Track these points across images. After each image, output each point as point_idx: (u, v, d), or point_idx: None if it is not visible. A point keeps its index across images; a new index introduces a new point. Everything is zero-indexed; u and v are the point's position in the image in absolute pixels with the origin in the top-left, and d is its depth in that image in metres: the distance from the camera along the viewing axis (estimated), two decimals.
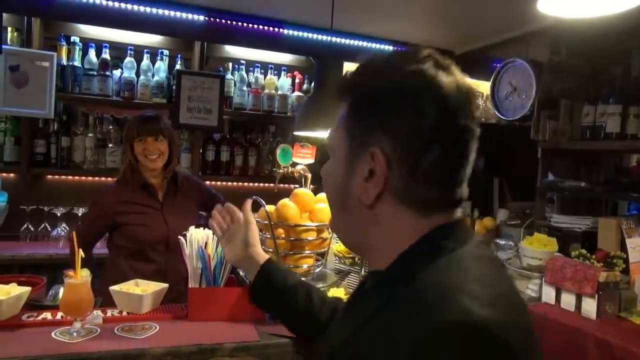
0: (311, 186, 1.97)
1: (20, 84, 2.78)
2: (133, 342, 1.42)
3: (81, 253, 1.40)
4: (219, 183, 3.41)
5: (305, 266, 1.64)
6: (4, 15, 2.69)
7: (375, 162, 0.67)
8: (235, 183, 3.44)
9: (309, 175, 2.01)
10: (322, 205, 1.66)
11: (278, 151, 2.10)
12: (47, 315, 1.52)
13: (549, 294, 2.03)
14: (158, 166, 2.13)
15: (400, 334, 0.58)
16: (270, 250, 1.64)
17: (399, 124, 0.66)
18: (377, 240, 0.71)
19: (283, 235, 1.61)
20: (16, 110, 2.80)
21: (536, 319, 1.36)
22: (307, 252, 1.63)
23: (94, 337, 1.42)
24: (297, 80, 3.49)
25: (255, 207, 1.78)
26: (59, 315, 1.51)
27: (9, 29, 2.84)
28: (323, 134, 1.91)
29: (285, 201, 1.65)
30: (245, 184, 3.45)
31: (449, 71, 0.68)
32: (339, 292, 1.74)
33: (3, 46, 2.67)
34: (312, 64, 3.65)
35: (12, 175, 2.92)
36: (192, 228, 1.62)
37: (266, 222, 1.58)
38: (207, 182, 3.35)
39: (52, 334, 1.41)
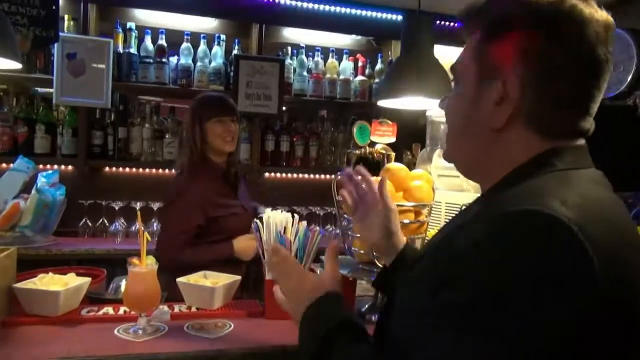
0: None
1: (77, 73, 2.68)
2: (206, 342, 1.21)
3: (147, 236, 1.20)
4: (279, 175, 3.21)
5: None
6: (61, 2, 2.60)
7: (509, 86, 0.68)
8: (296, 175, 3.23)
9: (393, 154, 1.76)
10: (418, 182, 1.40)
11: (355, 129, 1.85)
12: (109, 309, 1.35)
13: None
14: (233, 148, 2.00)
15: (480, 221, 0.63)
16: (358, 236, 1.40)
17: (536, 50, 0.67)
18: (498, 164, 0.72)
19: None
20: (74, 100, 2.70)
21: None
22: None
23: (161, 335, 1.23)
24: (360, 64, 3.25)
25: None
26: (122, 310, 1.33)
27: (66, 17, 2.76)
28: (413, 103, 1.66)
29: (377, 178, 1.40)
30: (307, 175, 3.23)
31: (588, 2, 0.68)
32: None
33: (60, 33, 2.58)
34: (373, 46, 3.41)
35: (70, 168, 2.83)
36: (268, 210, 1.40)
37: None
38: (267, 175, 3.18)
39: (115, 331, 1.22)
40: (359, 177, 1.10)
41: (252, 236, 1.85)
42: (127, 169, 2.90)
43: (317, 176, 3.26)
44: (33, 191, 2.50)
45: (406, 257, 1.04)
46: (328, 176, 3.20)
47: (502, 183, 0.71)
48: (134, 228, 2.69)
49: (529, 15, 0.67)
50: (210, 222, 1.87)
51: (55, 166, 2.77)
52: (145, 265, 1.21)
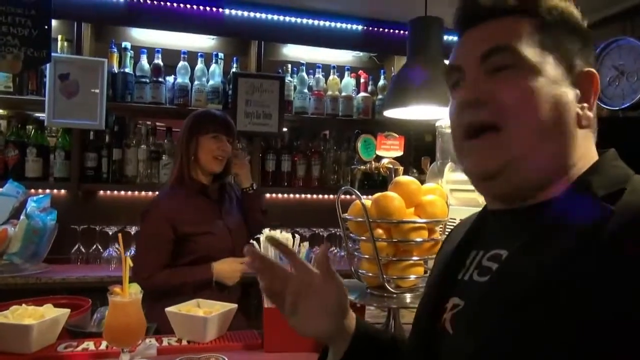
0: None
1: (70, 94, 2.59)
2: None
3: (129, 261, 1.08)
4: (280, 196, 3.08)
5: (412, 277, 1.24)
6: (54, 23, 2.53)
7: (592, 82, 0.67)
8: (298, 195, 3.10)
9: (401, 169, 1.63)
10: (431, 197, 1.27)
11: (359, 143, 1.72)
12: (90, 344, 1.21)
13: None
14: (221, 169, 1.91)
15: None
16: (366, 256, 1.26)
17: (590, 51, 0.68)
18: (567, 163, 0.65)
19: (384, 236, 1.23)
20: (67, 122, 2.61)
21: None
22: (416, 258, 1.23)
23: None
24: (362, 80, 3.15)
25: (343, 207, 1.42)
26: (104, 344, 1.19)
27: (59, 37, 2.69)
28: (421, 113, 1.54)
29: (387, 193, 1.27)
30: (309, 196, 3.10)
31: None
32: None
33: (52, 54, 2.50)
34: (376, 63, 3.33)
35: (62, 192, 2.73)
36: (266, 230, 1.28)
37: (361, 219, 1.21)
38: (268, 196, 3.06)
39: None
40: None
41: (236, 259, 1.77)
42: (122, 192, 2.80)
43: (320, 196, 3.13)
44: (22, 216, 2.39)
45: (368, 332, 0.81)
46: (331, 196, 3.07)
47: (581, 188, 0.62)
48: (128, 254, 2.56)
49: (579, 17, 0.69)
50: (182, 239, 1.78)
51: (48, 190, 2.67)
52: (128, 295, 1.08)
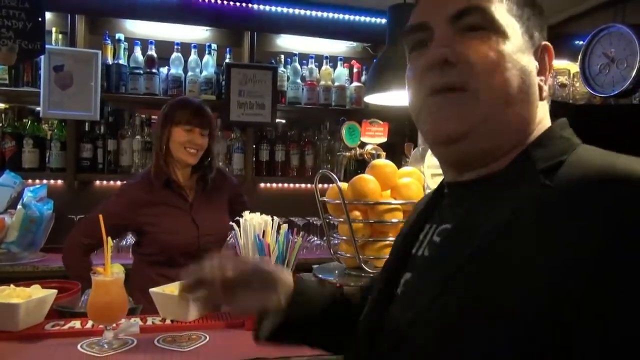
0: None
1: (65, 85, 2.63)
2: (177, 355, 1.11)
3: (110, 242, 1.12)
4: (274, 185, 3.12)
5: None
6: (48, 15, 2.56)
7: (549, 56, 0.67)
8: (292, 185, 3.13)
9: (383, 154, 1.67)
10: (406, 180, 1.31)
11: (343, 130, 1.76)
12: (76, 323, 1.25)
13: None
14: (194, 162, 1.80)
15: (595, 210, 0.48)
16: (344, 237, 1.30)
17: (544, 25, 0.69)
18: (526, 131, 0.64)
19: (360, 218, 1.26)
20: (62, 113, 2.65)
21: None
22: (391, 238, 1.27)
23: (128, 349, 1.13)
24: (355, 70, 3.17)
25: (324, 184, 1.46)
26: (90, 323, 1.24)
27: (53, 29, 2.72)
28: (398, 99, 1.57)
29: (362, 175, 1.31)
30: (303, 185, 3.13)
31: None
32: None
33: (47, 46, 2.53)
34: (369, 53, 3.34)
35: (59, 182, 2.77)
36: (246, 213, 1.31)
37: (338, 201, 1.25)
38: (262, 185, 3.09)
39: (79, 346, 1.13)
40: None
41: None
42: (118, 182, 2.83)
43: (313, 185, 3.15)
44: (19, 206, 2.43)
45: (309, 293, 0.85)
46: (325, 185, 3.09)
47: (522, 160, 0.61)
48: (124, 243, 2.61)
49: None
50: (141, 231, 1.76)
51: (44, 181, 2.71)
52: (110, 274, 1.12)
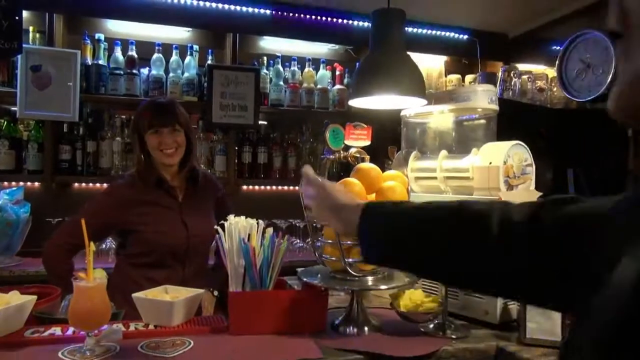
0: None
1: (42, 85, 2.58)
2: None
3: (92, 246, 1.10)
4: (256, 187, 3.11)
5: None
6: (25, 14, 2.51)
7: None
8: (275, 187, 3.13)
9: (367, 157, 1.67)
10: (391, 183, 1.32)
11: (327, 133, 1.75)
12: (57, 330, 1.22)
13: None
14: (175, 161, 1.78)
15: None
16: (329, 241, 1.30)
17: None
18: None
19: None
20: (39, 114, 2.60)
21: None
22: None
23: (111, 356, 1.11)
24: (337, 73, 3.19)
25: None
26: (71, 330, 1.21)
27: (31, 28, 2.67)
28: (386, 103, 1.58)
29: (348, 179, 1.31)
30: (286, 187, 3.13)
31: None
32: (418, 296, 1.38)
33: (24, 45, 2.48)
34: (351, 55, 3.36)
35: (36, 184, 2.71)
36: (231, 217, 1.30)
37: None
38: (244, 187, 3.08)
39: (60, 353, 1.10)
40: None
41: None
42: (97, 184, 2.79)
43: (296, 188, 3.14)
44: None
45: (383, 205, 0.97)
46: None
47: None
48: (104, 246, 2.57)
49: None
50: (128, 231, 1.74)
51: (21, 183, 2.65)
52: (92, 279, 1.10)
